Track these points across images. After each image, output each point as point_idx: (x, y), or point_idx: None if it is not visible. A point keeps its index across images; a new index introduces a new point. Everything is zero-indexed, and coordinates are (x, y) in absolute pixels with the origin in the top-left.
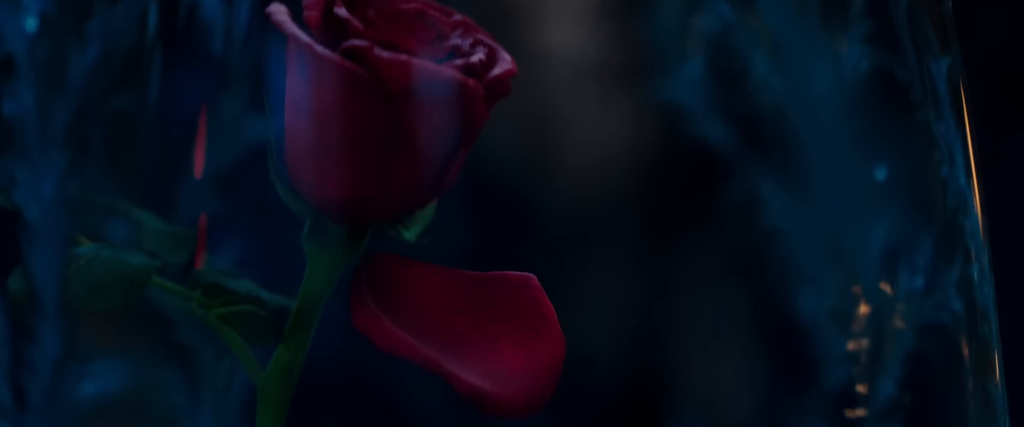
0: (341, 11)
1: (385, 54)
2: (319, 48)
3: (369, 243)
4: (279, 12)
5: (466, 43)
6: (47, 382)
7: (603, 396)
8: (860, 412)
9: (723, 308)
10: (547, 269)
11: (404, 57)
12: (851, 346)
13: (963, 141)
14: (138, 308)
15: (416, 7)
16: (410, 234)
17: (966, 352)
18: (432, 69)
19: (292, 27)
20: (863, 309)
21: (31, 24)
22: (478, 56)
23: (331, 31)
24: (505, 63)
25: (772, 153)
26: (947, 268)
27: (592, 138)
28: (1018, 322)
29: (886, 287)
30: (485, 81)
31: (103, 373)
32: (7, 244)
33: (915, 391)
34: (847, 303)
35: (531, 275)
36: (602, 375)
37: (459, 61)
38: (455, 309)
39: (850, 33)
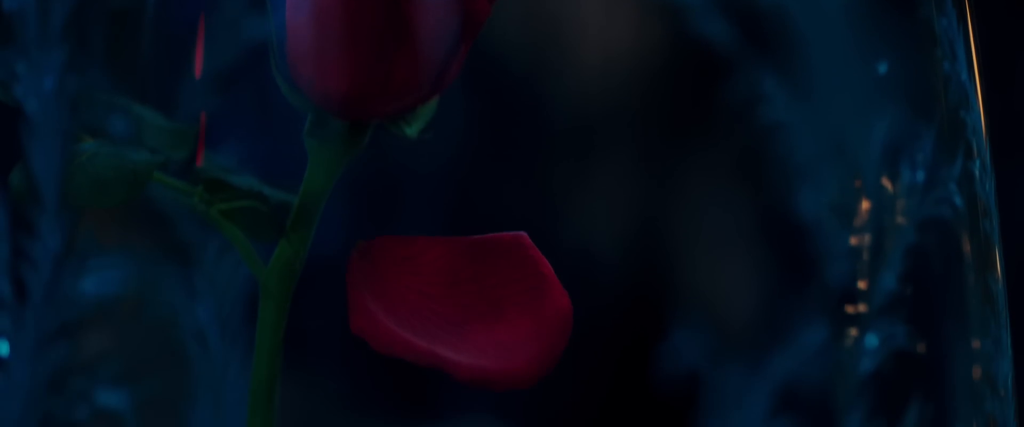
0: None
1: None
2: None
3: (371, 140)
4: None
5: None
6: (47, 277)
7: (605, 295)
8: (861, 307)
9: (725, 205)
10: (548, 168)
11: None
12: (852, 241)
13: (965, 37)
14: (140, 204)
15: None
16: (412, 130)
17: (967, 247)
18: None
19: None
20: (864, 205)
21: None
22: None
23: None
24: None
25: (774, 50)
26: (949, 163)
27: (593, 34)
28: None
29: (887, 183)
30: None
31: (104, 269)
32: (8, 140)
33: (916, 286)
34: (848, 199)
35: (522, 233)
36: (604, 275)
37: None
38: (461, 280)
39: None
